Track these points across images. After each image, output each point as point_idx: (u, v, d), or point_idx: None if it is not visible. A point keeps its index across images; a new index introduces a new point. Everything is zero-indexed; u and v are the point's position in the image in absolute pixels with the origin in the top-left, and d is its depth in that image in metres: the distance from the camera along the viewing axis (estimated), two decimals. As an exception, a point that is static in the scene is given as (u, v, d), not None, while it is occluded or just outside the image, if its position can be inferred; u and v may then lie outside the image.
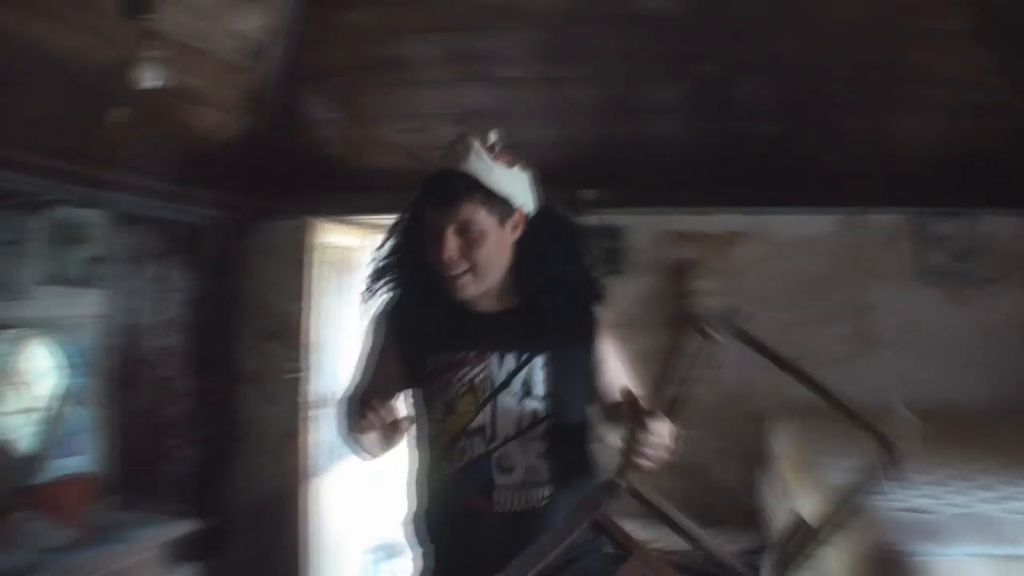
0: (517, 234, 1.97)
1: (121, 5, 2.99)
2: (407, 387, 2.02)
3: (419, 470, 2.04)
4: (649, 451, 1.74)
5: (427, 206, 1.92)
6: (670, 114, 3.78)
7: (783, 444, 3.45)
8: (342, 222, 4.44)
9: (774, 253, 3.93)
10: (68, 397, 3.64)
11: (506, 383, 1.94)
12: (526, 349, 1.96)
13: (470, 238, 1.89)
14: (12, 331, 3.37)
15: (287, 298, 4.29)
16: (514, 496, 1.93)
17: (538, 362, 1.95)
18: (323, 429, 4.28)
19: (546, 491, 1.94)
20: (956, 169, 3.78)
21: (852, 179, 3.74)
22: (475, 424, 1.95)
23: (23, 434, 3.52)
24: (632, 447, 1.74)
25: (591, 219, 3.90)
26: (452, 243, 1.89)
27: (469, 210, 1.88)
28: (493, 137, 1.94)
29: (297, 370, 4.21)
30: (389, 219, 2.10)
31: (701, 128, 3.77)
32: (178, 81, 3.34)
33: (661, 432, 1.74)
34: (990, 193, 3.84)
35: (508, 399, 1.94)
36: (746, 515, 3.69)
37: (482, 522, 1.95)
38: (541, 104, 3.86)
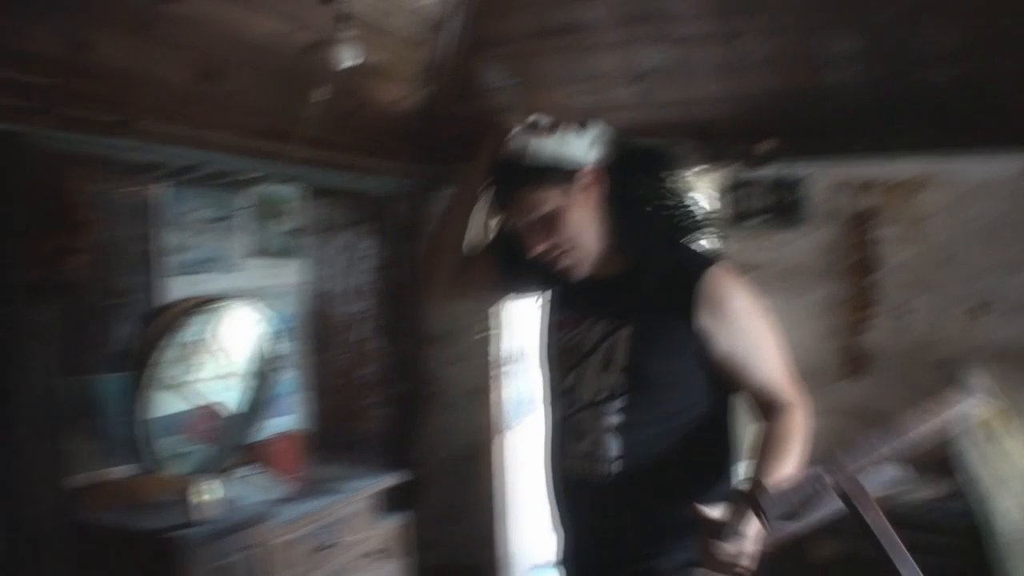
0: (597, 191, 1.88)
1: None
2: (504, 288, 2.29)
3: None
4: (719, 559, 1.63)
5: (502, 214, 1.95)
6: (849, 62, 3.69)
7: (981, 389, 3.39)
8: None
9: (959, 198, 3.81)
10: (277, 361, 3.91)
11: (591, 351, 1.91)
12: (615, 318, 1.89)
13: (548, 222, 1.84)
14: (225, 301, 3.62)
15: (471, 261, 4.44)
16: (580, 466, 1.92)
17: (623, 333, 1.87)
18: (512, 385, 4.44)
19: (611, 468, 1.88)
20: None
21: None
22: (564, 386, 1.96)
23: (238, 396, 3.80)
24: (705, 551, 1.65)
25: (769, 171, 3.92)
26: (536, 236, 1.86)
27: (528, 197, 1.83)
28: (532, 118, 1.89)
29: (485, 329, 4.36)
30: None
31: (881, 74, 3.68)
32: (364, 58, 3.50)
33: (734, 552, 1.62)
34: None
35: (591, 367, 1.90)
36: (939, 463, 3.65)
37: (561, 484, 2.01)
38: (716, 60, 3.85)
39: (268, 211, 3.97)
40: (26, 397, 2.98)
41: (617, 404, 1.86)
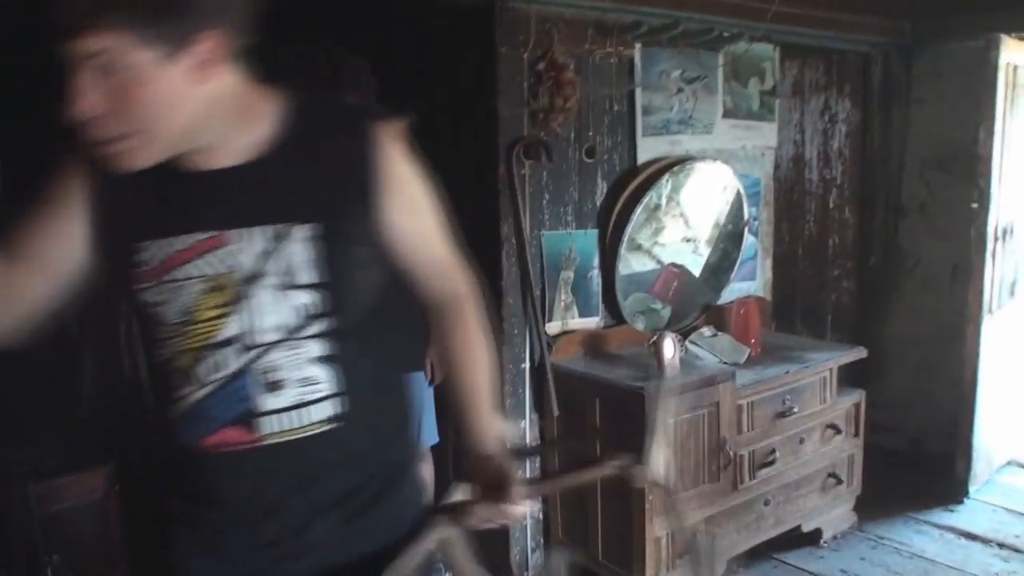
0: (215, 69, 1.27)
1: None
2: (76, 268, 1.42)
3: (147, 407, 1.51)
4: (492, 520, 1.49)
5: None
6: None
7: None
8: (1022, 39, 3.99)
9: None
10: (742, 226, 3.87)
11: (256, 274, 1.37)
12: (283, 217, 1.37)
13: (115, 83, 1.21)
14: (696, 162, 3.62)
15: (962, 125, 3.99)
16: (286, 423, 1.41)
17: (298, 235, 1.37)
18: (997, 265, 4.02)
19: (332, 409, 1.43)
20: None
21: None
22: (227, 332, 1.39)
23: (702, 259, 3.84)
24: (475, 509, 1.49)
25: None
26: (88, 93, 1.21)
27: (101, 40, 1.18)
28: None
29: (973, 201, 3.95)
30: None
31: None
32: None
33: (516, 513, 1.48)
34: None
35: (265, 293, 1.37)
36: None
37: (241, 461, 1.43)
38: None
39: (742, 71, 3.87)
40: (514, 247, 3.22)
41: (314, 330, 1.40)
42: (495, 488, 1.48)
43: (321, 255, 1.37)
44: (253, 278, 1.36)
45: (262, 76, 1.37)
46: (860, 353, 3.76)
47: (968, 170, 3.95)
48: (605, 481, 2.81)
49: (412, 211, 1.47)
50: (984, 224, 3.91)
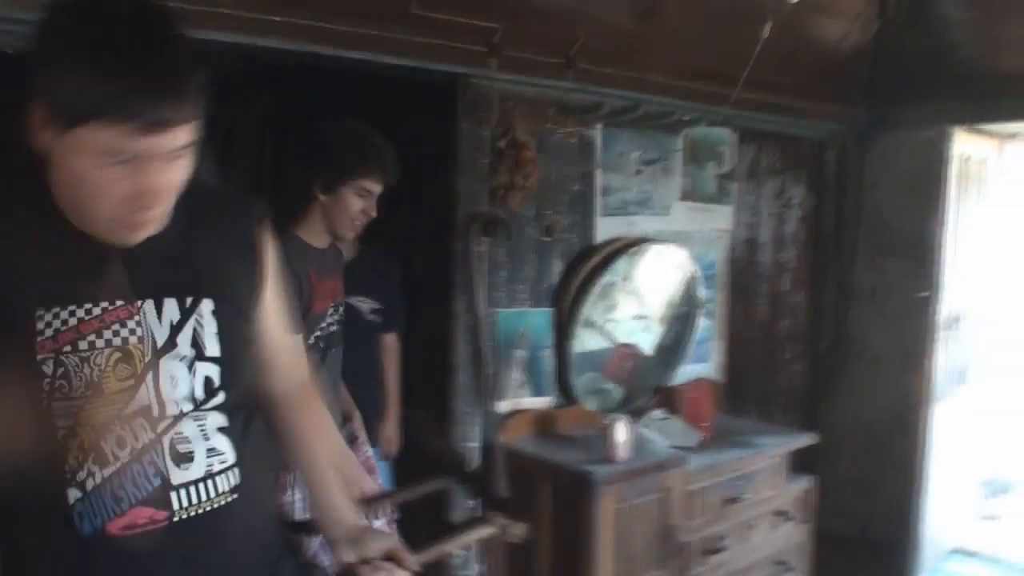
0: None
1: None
2: None
3: (28, 495, 1.31)
4: None
5: (107, 123, 1.15)
6: None
7: None
8: (973, 131, 4.09)
9: None
10: (696, 307, 3.88)
11: (166, 346, 1.35)
12: (190, 291, 1.38)
13: (177, 166, 1.25)
14: (652, 243, 3.63)
15: (911, 212, 4.06)
16: (197, 494, 1.37)
17: (205, 308, 1.38)
18: (947, 352, 4.06)
19: (233, 480, 1.42)
20: None
21: None
22: (136, 405, 1.33)
23: (655, 339, 3.83)
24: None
25: None
26: (164, 182, 1.25)
27: (187, 131, 1.22)
28: None
29: (923, 289, 3.99)
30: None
31: None
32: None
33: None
34: None
35: (171, 367, 1.35)
36: None
37: (149, 542, 1.34)
38: None
39: (699, 154, 3.91)
40: (466, 323, 3.18)
41: (215, 401, 1.40)
42: (383, 558, 1.49)
43: (222, 329, 1.40)
44: (163, 350, 1.35)
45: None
46: (811, 439, 3.75)
47: (919, 257, 4.00)
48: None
49: (276, 299, 1.55)
50: (934, 312, 3.95)
